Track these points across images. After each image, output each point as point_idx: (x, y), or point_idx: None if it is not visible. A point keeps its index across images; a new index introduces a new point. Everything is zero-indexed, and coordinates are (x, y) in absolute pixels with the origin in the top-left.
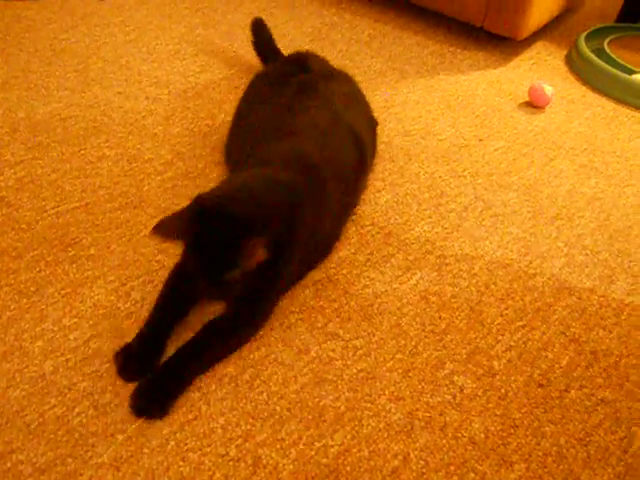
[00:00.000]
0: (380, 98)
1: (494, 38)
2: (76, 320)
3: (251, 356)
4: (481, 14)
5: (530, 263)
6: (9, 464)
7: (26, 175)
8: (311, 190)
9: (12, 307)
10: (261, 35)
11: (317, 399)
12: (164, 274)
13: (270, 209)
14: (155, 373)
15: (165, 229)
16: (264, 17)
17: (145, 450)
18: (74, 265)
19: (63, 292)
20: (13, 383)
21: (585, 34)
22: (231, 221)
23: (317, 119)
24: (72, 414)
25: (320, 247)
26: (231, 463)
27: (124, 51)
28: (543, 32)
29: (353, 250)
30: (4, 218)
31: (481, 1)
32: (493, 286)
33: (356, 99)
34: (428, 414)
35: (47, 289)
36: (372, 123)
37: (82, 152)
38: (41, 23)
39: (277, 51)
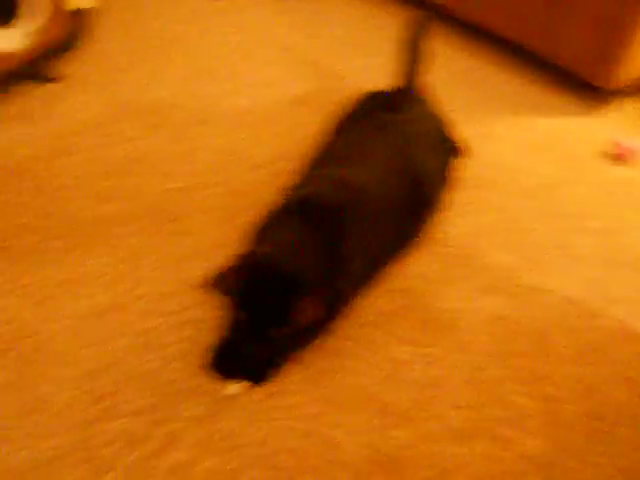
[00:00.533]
0: (471, 129)
1: (585, 85)
2: (175, 288)
3: (331, 347)
4: (578, 61)
5: (597, 304)
6: (109, 402)
7: (136, 151)
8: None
9: (118, 268)
10: (415, 42)
11: (387, 394)
12: None
13: (322, 267)
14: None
15: (224, 283)
16: (365, 38)
17: (227, 412)
18: (173, 239)
19: (164, 261)
20: (117, 334)
21: None
22: (283, 279)
23: (380, 157)
24: (167, 370)
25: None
26: (303, 437)
27: (229, 50)
28: (636, 85)
29: (433, 267)
30: (114, 187)
31: (579, 49)
32: (560, 320)
33: (437, 144)
34: (486, 425)
35: (150, 256)
36: (446, 167)
37: (188, 138)
38: (155, 14)
39: (417, 69)
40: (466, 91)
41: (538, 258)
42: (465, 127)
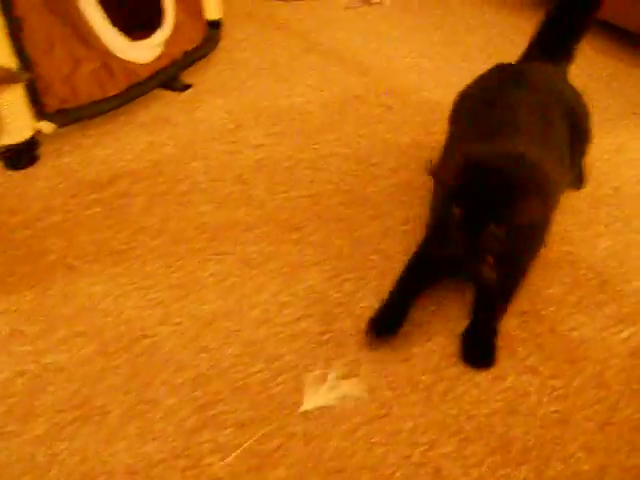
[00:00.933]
0: (614, 140)
1: None
2: (291, 298)
3: (447, 370)
4: None
5: None
6: (214, 412)
7: (263, 158)
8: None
9: (237, 274)
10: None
11: (506, 428)
12: (377, 275)
13: (543, 174)
14: (470, 334)
15: (439, 173)
16: (501, 39)
17: (335, 432)
18: (296, 248)
19: (283, 270)
20: (228, 341)
21: None
22: (508, 177)
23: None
24: (274, 382)
25: None
26: (412, 467)
27: (363, 58)
28: None
29: (565, 290)
30: (241, 193)
31: None
32: None
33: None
34: (619, 474)
35: (269, 264)
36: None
37: (315, 146)
38: (292, 22)
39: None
40: (608, 99)
41: None
42: (605, 138)
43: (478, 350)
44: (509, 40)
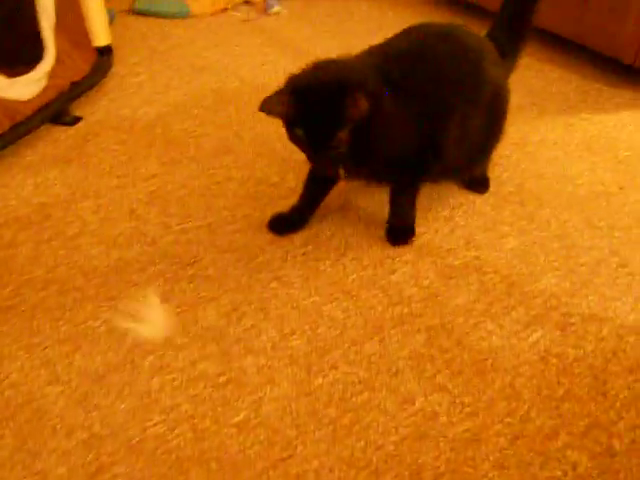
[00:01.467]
0: (515, 135)
1: None
2: (187, 340)
3: (353, 400)
4: (632, 51)
5: None
6: (108, 475)
7: (157, 190)
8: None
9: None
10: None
11: (416, 455)
12: (277, 303)
13: (359, 71)
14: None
15: (270, 107)
16: None
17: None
18: (191, 284)
19: (178, 310)
20: (121, 396)
21: None
22: (330, 85)
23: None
24: (172, 435)
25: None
26: None
27: (260, 72)
28: None
29: (472, 298)
30: (133, 230)
31: (633, 37)
32: (622, 354)
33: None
34: None
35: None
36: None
37: (211, 171)
38: (187, 41)
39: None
40: (513, 92)
41: (593, 280)
42: (510, 131)
43: (397, 232)
44: None
